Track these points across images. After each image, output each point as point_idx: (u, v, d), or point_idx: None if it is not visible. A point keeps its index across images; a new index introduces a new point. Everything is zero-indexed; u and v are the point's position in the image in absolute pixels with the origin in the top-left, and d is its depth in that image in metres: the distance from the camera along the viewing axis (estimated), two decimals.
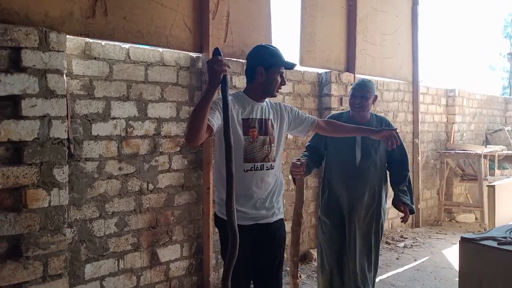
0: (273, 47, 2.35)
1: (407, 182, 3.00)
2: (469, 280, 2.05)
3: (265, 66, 2.27)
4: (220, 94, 1.97)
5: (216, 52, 1.90)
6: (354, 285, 2.97)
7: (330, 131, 2.68)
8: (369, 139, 2.92)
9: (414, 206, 2.98)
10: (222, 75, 1.88)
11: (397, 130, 2.71)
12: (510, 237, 2.04)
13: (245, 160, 2.24)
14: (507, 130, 7.98)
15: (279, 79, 2.31)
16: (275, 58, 2.29)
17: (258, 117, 2.31)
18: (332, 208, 3.04)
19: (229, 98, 1.98)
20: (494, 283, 1.95)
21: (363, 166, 2.93)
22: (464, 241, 2.08)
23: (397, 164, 3.02)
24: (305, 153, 3.06)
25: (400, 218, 2.97)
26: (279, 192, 2.41)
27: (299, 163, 2.65)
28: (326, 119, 2.78)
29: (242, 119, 2.25)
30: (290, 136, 4.59)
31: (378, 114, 3.16)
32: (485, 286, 1.97)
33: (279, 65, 2.29)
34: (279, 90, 2.38)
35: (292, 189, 4.35)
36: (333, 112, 4.62)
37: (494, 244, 1.98)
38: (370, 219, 3.00)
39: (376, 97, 2.99)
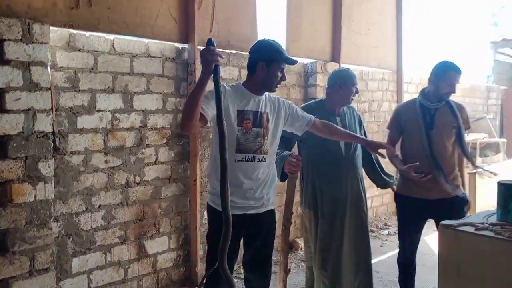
0: (276, 42, 2.35)
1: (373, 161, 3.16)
2: (447, 265, 2.11)
3: (266, 61, 2.29)
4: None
5: (209, 42, 1.92)
6: (357, 275, 2.98)
7: (326, 132, 2.67)
8: (349, 126, 2.96)
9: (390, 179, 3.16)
10: (214, 65, 1.90)
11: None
12: (487, 223, 2.11)
13: (237, 150, 2.26)
14: (489, 118, 8.13)
15: (279, 74, 2.32)
16: (277, 54, 2.29)
17: (254, 109, 2.32)
18: (320, 200, 2.96)
19: (222, 88, 2.03)
20: (471, 267, 2.02)
21: (348, 154, 2.93)
22: (443, 227, 2.14)
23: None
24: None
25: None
26: (270, 184, 2.43)
27: (297, 161, 2.56)
28: (322, 120, 2.71)
29: (237, 110, 2.28)
30: None
31: (360, 103, 3.17)
32: (462, 270, 2.04)
33: (280, 61, 2.30)
34: (280, 83, 2.37)
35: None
36: None
37: (471, 230, 2.04)
38: (360, 207, 3.01)
39: None
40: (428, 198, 2.99)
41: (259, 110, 2.34)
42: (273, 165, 2.47)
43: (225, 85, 2.32)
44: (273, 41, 2.36)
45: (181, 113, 2.06)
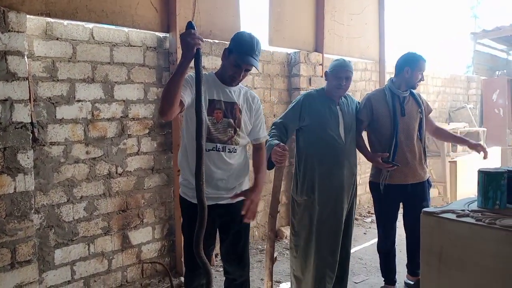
0: (251, 38, 2.24)
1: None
2: (430, 251, 2.14)
3: (229, 50, 2.26)
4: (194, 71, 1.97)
5: (189, 25, 1.90)
6: (343, 265, 3.06)
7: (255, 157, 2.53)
8: (348, 114, 2.99)
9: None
10: (195, 48, 1.88)
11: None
12: (468, 210, 2.15)
13: (208, 139, 2.23)
14: (469, 108, 8.26)
15: (234, 68, 2.24)
16: (238, 46, 2.22)
17: (224, 99, 2.29)
18: (318, 188, 2.93)
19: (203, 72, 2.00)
20: (453, 253, 2.05)
21: (347, 142, 2.95)
22: (425, 214, 2.17)
23: None
24: (274, 131, 2.88)
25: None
26: (243, 174, 2.41)
27: (284, 150, 2.56)
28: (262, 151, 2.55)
29: (208, 99, 2.25)
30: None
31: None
32: (444, 256, 2.08)
33: (236, 54, 2.21)
34: (237, 79, 2.29)
35: None
36: (302, 92, 4.66)
37: (453, 216, 2.08)
38: (353, 197, 3.05)
39: None
40: (403, 183, 3.16)
41: (231, 100, 2.31)
42: (246, 155, 2.45)
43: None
44: (251, 36, 2.26)
45: (161, 98, 2.02)
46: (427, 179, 3.29)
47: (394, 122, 3.12)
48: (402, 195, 3.21)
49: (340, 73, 2.91)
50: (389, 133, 3.14)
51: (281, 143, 2.65)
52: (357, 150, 3.13)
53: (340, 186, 2.94)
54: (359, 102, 3.21)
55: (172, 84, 1.96)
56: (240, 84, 2.40)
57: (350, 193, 3.02)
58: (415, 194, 3.18)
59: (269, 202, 3.15)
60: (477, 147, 3.27)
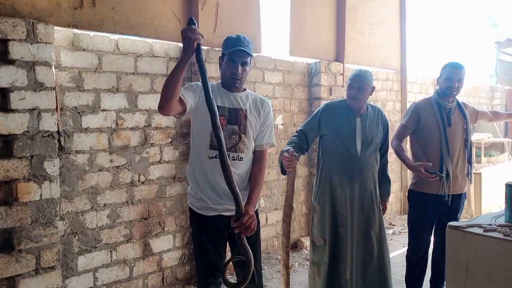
0: (236, 35, 2.28)
1: (387, 172, 3.09)
2: (456, 266, 2.09)
3: (222, 55, 2.31)
4: (200, 79, 1.99)
5: (190, 21, 1.92)
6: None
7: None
8: (369, 128, 2.91)
9: (389, 196, 3.12)
10: (195, 43, 1.89)
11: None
12: (495, 224, 2.10)
13: (211, 147, 2.21)
14: None
15: (230, 66, 2.24)
16: (226, 46, 2.26)
17: (229, 106, 2.27)
18: (333, 197, 2.92)
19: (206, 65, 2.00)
20: (479, 269, 2.00)
21: (364, 156, 2.89)
22: (451, 228, 2.13)
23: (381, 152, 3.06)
24: (294, 139, 2.91)
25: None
26: (248, 186, 2.33)
27: (291, 156, 2.57)
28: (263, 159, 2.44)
29: None
30: (280, 127, 4.62)
31: (373, 104, 3.13)
32: (471, 271, 2.03)
33: (228, 52, 2.24)
34: (238, 80, 2.26)
35: (282, 178, 4.39)
36: (323, 102, 4.66)
37: (480, 231, 2.03)
38: (371, 210, 2.94)
39: (374, 88, 2.98)
40: (441, 193, 3.08)
41: (236, 107, 2.29)
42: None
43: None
44: (236, 35, 2.29)
45: (160, 93, 2.02)
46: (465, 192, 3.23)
47: (440, 132, 3.07)
48: (439, 205, 3.11)
49: (353, 83, 2.89)
50: (435, 143, 3.09)
51: (291, 149, 2.66)
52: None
53: (350, 200, 2.89)
54: (386, 118, 3.08)
55: (171, 78, 1.96)
56: (249, 90, 2.39)
57: (364, 209, 2.92)
58: (452, 206, 3.10)
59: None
60: None
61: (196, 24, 1.93)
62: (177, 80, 1.95)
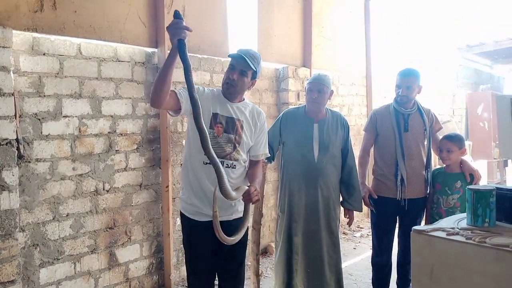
0: (246, 48, 2.36)
1: (354, 179, 3.07)
2: (421, 269, 2.13)
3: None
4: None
5: (176, 15, 1.90)
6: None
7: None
8: (327, 133, 2.94)
9: (360, 204, 3.10)
10: (176, 38, 1.88)
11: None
12: (458, 228, 2.15)
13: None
14: (455, 122, 8.37)
15: (228, 71, 2.33)
16: (233, 55, 2.32)
17: (227, 115, 2.31)
18: (290, 205, 2.97)
19: (197, 89, 2.07)
20: (444, 272, 2.04)
21: (321, 162, 2.92)
22: (415, 233, 2.16)
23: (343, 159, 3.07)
24: None
25: (347, 224, 3.17)
26: None
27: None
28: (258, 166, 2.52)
29: (212, 113, 2.27)
30: None
31: (332, 109, 3.18)
32: (436, 274, 2.07)
33: (231, 58, 2.32)
34: (232, 86, 2.30)
35: None
36: (290, 106, 4.68)
37: (443, 235, 2.07)
38: (332, 217, 2.98)
39: (332, 92, 3.02)
40: (401, 197, 3.14)
41: (233, 116, 2.32)
42: (246, 172, 2.43)
43: (206, 88, 2.35)
44: (247, 48, 2.37)
45: (152, 87, 2.04)
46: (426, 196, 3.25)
47: (395, 137, 3.12)
48: (398, 209, 3.17)
49: (312, 86, 2.93)
50: (391, 147, 3.14)
51: None
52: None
53: (311, 205, 2.91)
54: (346, 122, 3.11)
55: (162, 70, 1.98)
56: (247, 101, 2.44)
57: (327, 214, 2.95)
58: (411, 210, 3.15)
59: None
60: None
61: (182, 18, 1.90)
62: (165, 75, 1.97)
